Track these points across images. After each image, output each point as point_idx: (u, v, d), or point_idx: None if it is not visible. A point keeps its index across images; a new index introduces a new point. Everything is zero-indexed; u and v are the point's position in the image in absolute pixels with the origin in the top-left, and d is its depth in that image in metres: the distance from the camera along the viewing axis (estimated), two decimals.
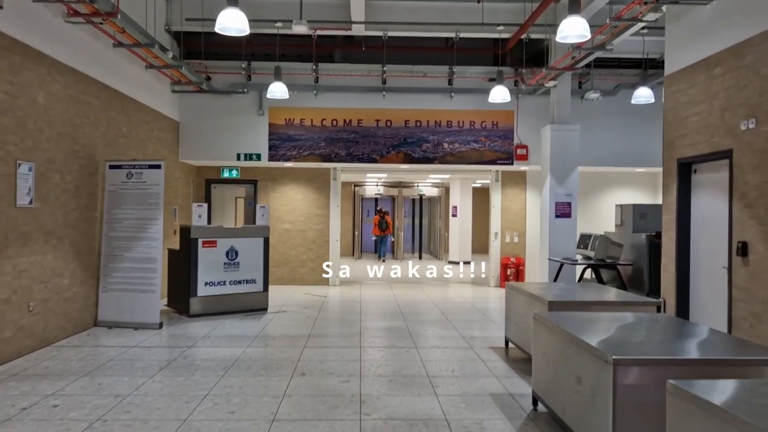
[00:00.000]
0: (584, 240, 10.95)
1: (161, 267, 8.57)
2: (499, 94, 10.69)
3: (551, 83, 11.16)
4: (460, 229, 20.21)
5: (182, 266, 9.63)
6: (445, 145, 12.61)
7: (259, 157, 12.51)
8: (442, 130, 12.61)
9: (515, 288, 6.99)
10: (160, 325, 8.53)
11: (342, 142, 12.57)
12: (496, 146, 12.65)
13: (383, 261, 20.56)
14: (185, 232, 9.60)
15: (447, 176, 19.26)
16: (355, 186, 22.46)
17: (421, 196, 23.25)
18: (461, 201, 20.24)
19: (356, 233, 21.93)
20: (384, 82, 12.45)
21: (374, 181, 22.23)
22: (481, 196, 25.32)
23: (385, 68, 11.97)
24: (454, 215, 20.42)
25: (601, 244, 10.30)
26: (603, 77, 12.43)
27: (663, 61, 12.27)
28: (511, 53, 12.72)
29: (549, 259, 11.29)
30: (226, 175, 13.70)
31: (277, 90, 10.57)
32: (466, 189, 20.28)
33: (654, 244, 9.82)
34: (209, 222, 12.75)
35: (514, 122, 12.66)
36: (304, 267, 13.88)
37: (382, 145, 12.58)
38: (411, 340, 7.95)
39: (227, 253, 9.76)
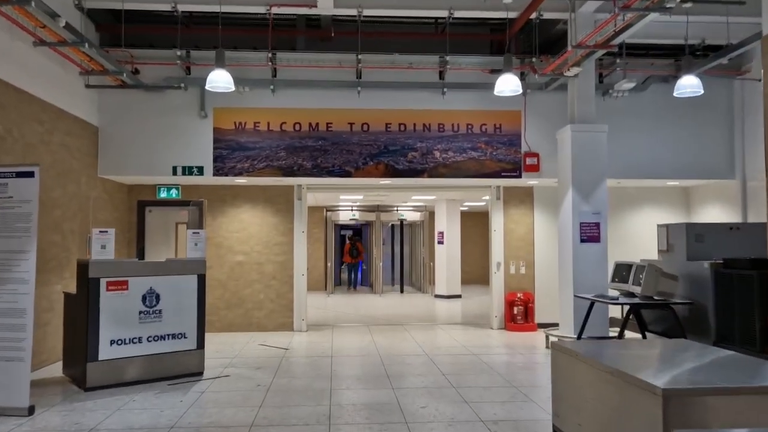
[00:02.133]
0: (621, 271, 8.44)
1: (32, 322, 5.78)
2: (508, 84, 8.23)
3: (573, 71, 8.75)
4: (447, 258, 17.65)
5: (79, 317, 6.84)
6: (437, 154, 10.09)
7: (200, 170, 9.82)
8: (432, 136, 10.10)
9: (577, 355, 4.37)
10: (31, 410, 5.72)
11: (307, 151, 9.96)
12: (500, 155, 10.17)
13: (355, 290, 17.85)
14: (82, 269, 6.83)
15: (432, 197, 16.77)
16: (327, 211, 19.82)
17: (401, 222, 20.70)
18: (448, 226, 17.72)
19: (329, 264, 19.20)
20: (359, 75, 9.94)
21: (348, 204, 19.62)
22: (470, 221, 22.89)
23: (360, 57, 9.46)
24: (441, 242, 17.87)
25: (649, 276, 7.79)
26: (630, 68, 10.10)
27: (707, 47, 10.16)
28: (516, 39, 10.33)
29: (576, 296, 8.74)
30: (163, 195, 10.96)
31: (219, 80, 7.93)
32: (453, 212, 17.79)
33: (723, 276, 7.34)
34: (142, 256, 10.00)
35: (522, 125, 10.21)
36: (262, 309, 11.12)
37: (357, 155, 10.01)
38: (407, 430, 5.26)
39: (145, 298, 7.00)
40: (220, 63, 7.94)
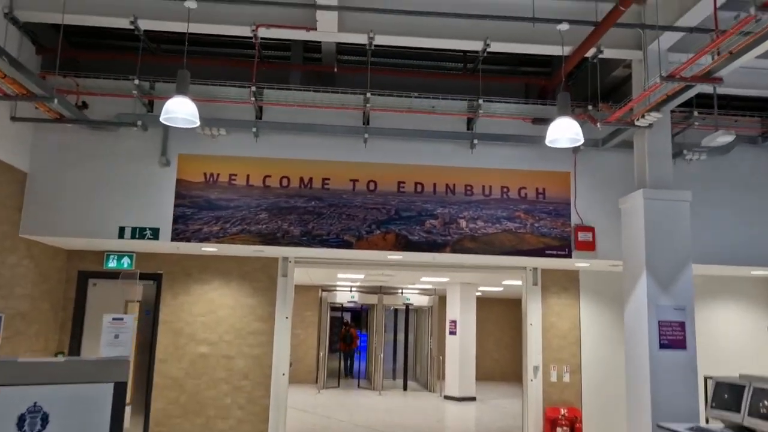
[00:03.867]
0: (722, 392, 5.97)
1: None
2: (565, 130, 6.05)
3: (649, 118, 6.62)
4: (460, 353, 15.05)
5: None
6: (462, 224, 7.83)
7: (155, 233, 7.53)
8: (457, 200, 7.88)
9: None
10: None
11: (296, 214, 7.71)
12: (544, 227, 7.90)
13: (350, 378, 15.12)
14: None
15: (444, 279, 14.40)
16: (322, 291, 17.39)
17: (407, 306, 18.20)
18: (462, 314, 15.24)
19: (321, 354, 16.54)
20: (367, 120, 7.85)
21: (347, 284, 17.22)
22: (486, 308, 20.43)
23: (368, 97, 7.39)
24: (453, 332, 15.33)
25: None
26: (707, 124, 8.00)
27: None
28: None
29: (659, 426, 6.21)
30: (111, 265, 8.64)
31: (179, 110, 5.74)
32: (468, 298, 15.36)
33: None
34: (78, 349, 7.67)
35: (571, 190, 8.01)
36: (228, 418, 8.52)
37: (360, 221, 7.75)
38: None
39: (23, 421, 4.53)
40: (182, 88, 5.80)
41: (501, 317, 20.92)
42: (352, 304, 18.17)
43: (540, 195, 7.96)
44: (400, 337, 19.74)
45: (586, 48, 6.79)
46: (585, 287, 9.18)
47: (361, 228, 7.72)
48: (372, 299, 17.51)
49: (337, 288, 17.90)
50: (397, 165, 7.89)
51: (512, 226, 7.86)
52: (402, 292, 17.98)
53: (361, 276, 14.23)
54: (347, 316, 18.22)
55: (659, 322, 6.62)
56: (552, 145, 6.24)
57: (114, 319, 5.13)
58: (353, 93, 7.68)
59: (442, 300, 18.53)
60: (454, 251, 7.75)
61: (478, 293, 17.68)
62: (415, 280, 14.87)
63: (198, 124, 5.77)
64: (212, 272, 8.82)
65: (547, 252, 7.84)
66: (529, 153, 7.98)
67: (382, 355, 16.68)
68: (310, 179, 7.78)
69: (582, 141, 6.12)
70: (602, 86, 8.25)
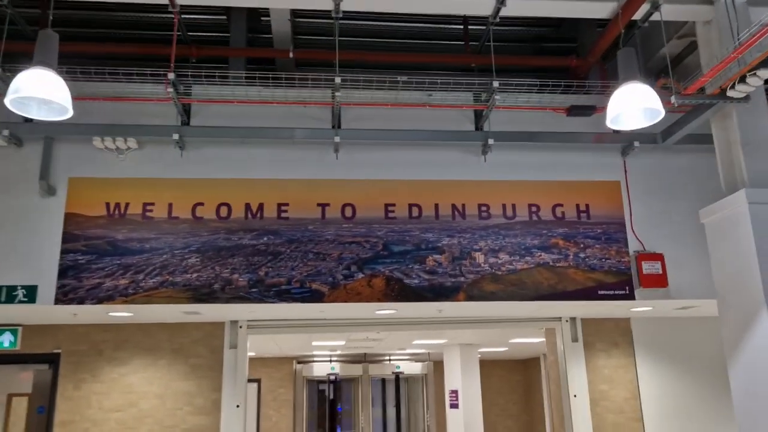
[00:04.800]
0: None
1: None
2: (636, 101, 3.92)
3: (752, 81, 4.53)
4: (466, 430, 12.41)
5: None
6: (479, 258, 5.53)
7: (31, 293, 5.08)
8: (469, 225, 5.61)
9: None
10: None
11: (241, 256, 5.34)
12: (593, 258, 5.63)
13: None
14: None
15: (440, 341, 11.96)
16: (297, 363, 14.74)
17: (397, 376, 15.54)
18: (465, 382, 12.71)
19: None
20: (338, 121, 5.64)
21: (325, 353, 14.62)
22: (486, 372, 17.86)
23: (337, 83, 5.19)
24: (454, 405, 12.74)
25: None
26: None
27: None
28: (599, 68, 6.24)
29: None
30: None
31: (36, 89, 3.48)
32: (469, 362, 12.87)
33: None
34: None
35: (624, 205, 5.80)
36: None
37: (334, 261, 5.41)
38: None
39: None
40: (44, 56, 3.57)
41: (504, 383, 18.34)
42: (332, 377, 15.48)
43: (583, 214, 5.74)
44: (390, 412, 16.96)
45: (636, 5, 4.78)
46: (641, 341, 6.86)
47: (335, 271, 5.38)
48: (355, 370, 14.89)
49: (315, 358, 15.27)
50: (383, 181, 5.65)
51: (548, 258, 5.59)
52: (390, 359, 15.40)
53: (341, 342, 11.74)
54: (327, 393, 15.53)
55: None
56: (614, 126, 4.12)
57: None
58: (316, 84, 5.51)
59: (437, 366, 15.97)
60: (470, 298, 5.42)
61: (483, 353, 15.19)
62: (407, 344, 12.39)
63: (69, 113, 3.53)
64: (132, 348, 6.33)
65: (601, 292, 5.55)
66: (563, 157, 5.82)
67: None
68: (261, 206, 5.48)
69: (662, 114, 3.99)
70: (645, 69, 6.24)
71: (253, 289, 5.27)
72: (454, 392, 12.74)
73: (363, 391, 14.55)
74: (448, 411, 12.76)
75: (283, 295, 5.28)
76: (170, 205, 5.39)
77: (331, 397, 15.17)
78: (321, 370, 14.79)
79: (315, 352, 14.25)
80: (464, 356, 12.77)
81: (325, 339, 9.83)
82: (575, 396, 6.60)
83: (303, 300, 5.28)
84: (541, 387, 16.78)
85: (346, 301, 5.31)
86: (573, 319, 6.80)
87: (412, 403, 16.33)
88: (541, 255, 5.59)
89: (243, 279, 5.28)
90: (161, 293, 5.18)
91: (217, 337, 6.41)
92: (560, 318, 6.79)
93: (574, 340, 6.76)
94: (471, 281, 5.46)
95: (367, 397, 14.49)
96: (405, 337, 10.95)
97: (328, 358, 15.31)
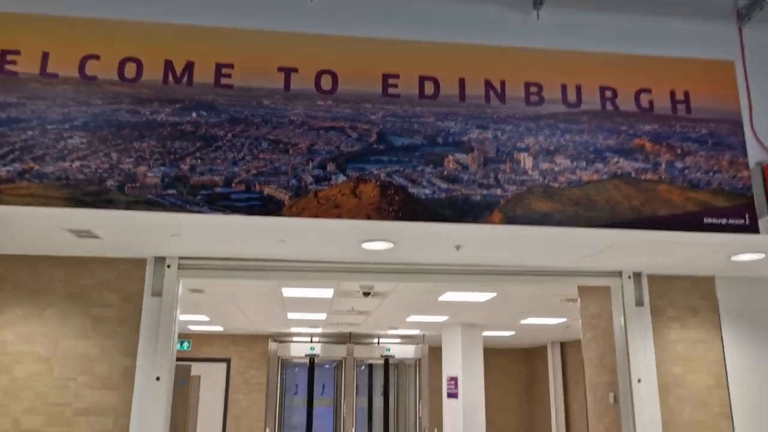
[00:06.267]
0: None
1: None
2: None
3: None
4: (465, 423, 10.55)
5: None
6: (524, 161, 3.61)
7: None
8: (509, 113, 3.67)
9: None
10: None
11: (154, 139, 3.39)
12: (696, 171, 3.72)
13: None
14: None
15: (441, 319, 10.08)
16: (272, 341, 12.80)
17: (386, 360, 13.61)
18: (466, 368, 10.83)
19: (268, 429, 11.77)
20: None
21: (306, 332, 12.71)
22: (489, 361, 16.09)
23: None
24: (453, 394, 10.87)
25: None
26: None
27: None
28: None
29: None
30: None
31: None
32: (472, 346, 11.00)
33: None
34: None
35: (741, 95, 3.88)
36: None
37: (301, 155, 3.47)
38: None
39: None
40: None
41: (504, 373, 16.55)
42: (311, 358, 13.48)
43: (680, 105, 3.82)
44: (377, 402, 15.05)
45: None
46: (729, 308, 4.96)
47: (302, 170, 3.44)
48: (338, 352, 12.97)
49: (293, 338, 13.36)
50: (381, 41, 3.70)
51: (629, 166, 3.67)
52: (379, 342, 13.51)
53: (322, 316, 9.83)
54: (306, 376, 13.52)
55: None
56: None
57: None
58: None
59: (432, 352, 14.12)
60: (509, 220, 3.49)
61: (489, 336, 13.28)
62: (400, 321, 10.50)
63: None
64: (6, 290, 4.37)
65: (708, 221, 3.63)
66: (654, 22, 3.90)
67: (353, 429, 12.04)
68: (189, 66, 3.51)
69: None
70: None
71: (170, 191, 3.31)
72: (453, 379, 10.87)
73: (346, 376, 12.65)
74: (445, 401, 10.89)
75: (218, 202, 3.33)
76: (45, 55, 3.42)
77: (311, 380, 13.25)
78: (299, 350, 12.86)
79: (293, 329, 12.33)
80: (466, 338, 10.90)
81: (291, 285, 7.90)
82: (639, 381, 4.70)
83: (249, 211, 3.34)
84: (547, 378, 14.95)
85: (316, 216, 3.37)
86: (638, 275, 4.89)
87: (404, 393, 14.41)
88: (618, 162, 3.67)
89: (154, 174, 3.33)
90: (19, 189, 3.22)
91: (134, 279, 4.45)
92: (620, 273, 4.87)
93: (639, 303, 4.86)
94: (512, 195, 3.52)
95: (351, 382, 12.59)
96: (398, 313, 9.04)
97: (308, 338, 13.40)
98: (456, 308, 8.63)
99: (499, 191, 3.52)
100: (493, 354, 16.23)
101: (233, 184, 3.36)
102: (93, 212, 3.26)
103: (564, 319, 9.85)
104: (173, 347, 4.42)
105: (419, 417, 12.54)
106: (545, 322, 10.16)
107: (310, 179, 3.42)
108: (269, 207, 3.35)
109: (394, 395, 14.72)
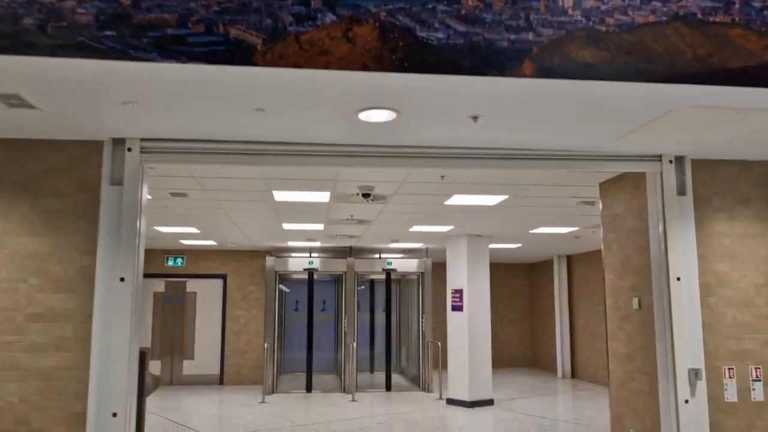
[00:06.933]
0: None
1: None
2: None
3: None
4: (471, 336, 10.19)
5: None
6: (564, 1, 2.83)
7: None
8: None
9: None
10: None
11: None
12: None
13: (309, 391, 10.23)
14: None
15: (447, 228, 9.48)
16: (269, 256, 12.31)
17: (388, 274, 13.18)
18: (471, 279, 10.36)
19: (268, 345, 11.46)
20: None
21: (305, 247, 12.19)
22: (492, 276, 15.74)
23: None
24: (457, 307, 10.46)
25: None
26: None
27: None
28: None
29: None
30: None
31: None
32: (478, 257, 10.48)
33: None
34: None
35: None
36: None
37: None
38: None
39: None
40: None
41: (506, 287, 16.21)
42: (310, 273, 13.04)
43: None
44: (379, 318, 14.77)
45: None
46: None
47: (279, 7, 2.66)
48: (339, 266, 12.51)
49: (291, 253, 12.89)
50: None
51: (695, 5, 2.89)
52: (380, 256, 13.04)
53: (320, 226, 9.24)
54: (307, 291, 13.12)
55: None
56: None
57: None
58: None
59: (435, 268, 13.70)
60: (543, 72, 2.75)
61: (498, 248, 12.75)
62: (402, 234, 9.92)
63: None
64: None
65: None
66: None
67: (354, 344, 11.75)
68: None
69: None
70: None
71: (108, 32, 2.56)
72: (458, 292, 10.42)
73: (348, 292, 12.24)
74: (450, 314, 10.49)
75: (170, 47, 2.58)
76: None
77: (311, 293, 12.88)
78: (297, 264, 12.40)
79: (291, 244, 11.81)
80: (472, 250, 10.37)
81: (280, 184, 7.28)
82: (678, 279, 4.09)
83: (211, 58, 2.59)
84: (550, 293, 14.60)
85: (298, 66, 2.63)
86: (680, 160, 4.19)
87: (407, 308, 14.09)
88: (680, 1, 2.88)
89: (86, 10, 2.56)
90: None
91: (90, 165, 3.77)
92: (659, 157, 4.17)
93: (681, 192, 4.18)
94: (547, 41, 2.77)
95: (352, 298, 12.20)
96: (401, 222, 8.42)
97: (307, 253, 12.92)
98: (462, 215, 8.01)
99: (531, 36, 2.76)
100: (496, 269, 15.84)
101: (189, 24, 2.60)
102: (7, 59, 2.52)
103: (575, 228, 9.26)
104: (139, 244, 3.79)
105: (422, 331, 12.22)
106: (556, 231, 9.58)
107: (289, 18, 2.65)
108: (237, 53, 2.60)
109: (397, 310, 14.43)
